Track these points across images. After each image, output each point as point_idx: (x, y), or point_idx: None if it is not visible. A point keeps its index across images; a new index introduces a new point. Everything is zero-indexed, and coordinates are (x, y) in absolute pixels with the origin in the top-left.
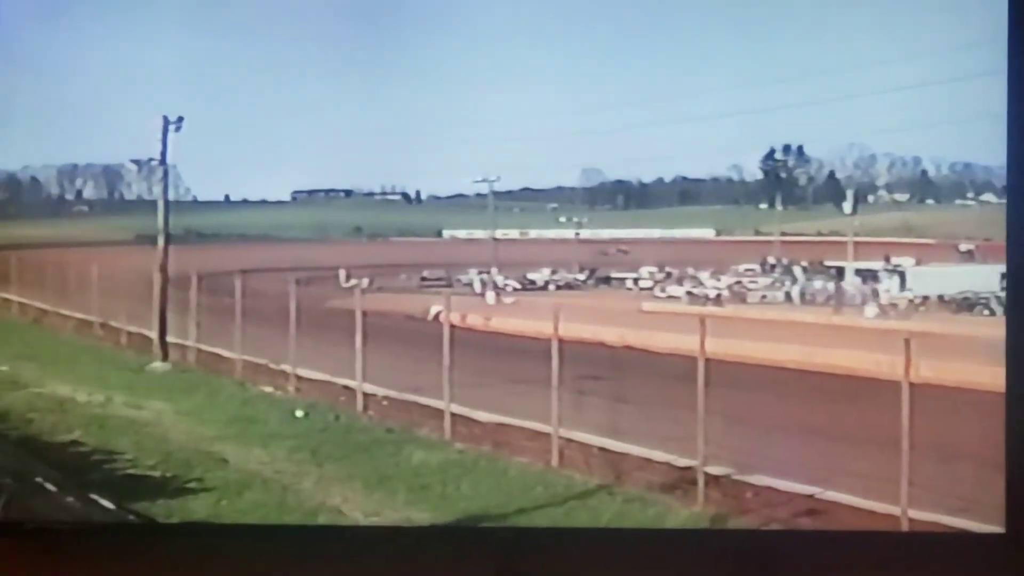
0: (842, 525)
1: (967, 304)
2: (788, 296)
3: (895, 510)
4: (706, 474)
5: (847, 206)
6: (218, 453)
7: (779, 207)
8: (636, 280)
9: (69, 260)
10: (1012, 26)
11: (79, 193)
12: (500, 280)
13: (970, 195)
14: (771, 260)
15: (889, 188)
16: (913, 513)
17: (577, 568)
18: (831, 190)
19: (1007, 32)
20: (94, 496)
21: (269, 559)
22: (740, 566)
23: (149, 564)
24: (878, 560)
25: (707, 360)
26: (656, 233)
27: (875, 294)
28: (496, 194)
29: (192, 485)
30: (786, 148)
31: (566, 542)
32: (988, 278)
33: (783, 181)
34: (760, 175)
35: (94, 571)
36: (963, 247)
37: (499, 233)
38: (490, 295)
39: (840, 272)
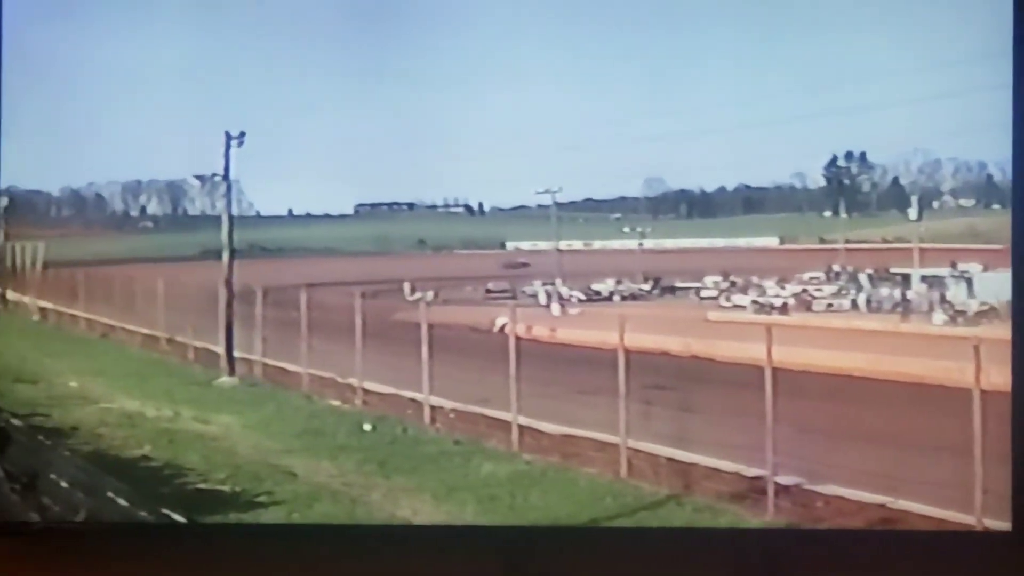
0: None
1: None
2: (854, 304)
3: (970, 519)
4: (776, 484)
5: (912, 212)
6: (286, 466)
7: (843, 214)
8: (701, 290)
9: (135, 275)
10: None
11: (143, 209)
12: (565, 291)
13: None
14: (836, 268)
15: (954, 193)
16: (989, 522)
17: (583, 565)
18: (895, 196)
19: None
20: (165, 511)
21: (277, 558)
22: (742, 564)
23: (161, 564)
24: (882, 558)
25: (774, 369)
26: (720, 242)
27: (942, 300)
28: (559, 205)
29: (262, 499)
30: (849, 155)
31: (573, 540)
32: None
33: (846, 188)
34: (823, 182)
35: (105, 571)
36: None
37: (563, 244)
38: (555, 306)
39: (906, 279)
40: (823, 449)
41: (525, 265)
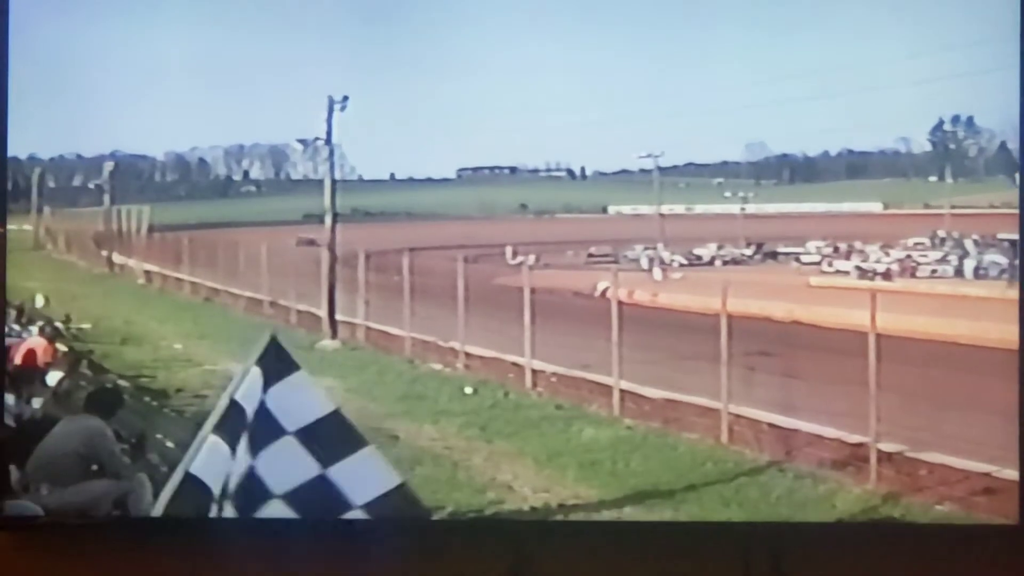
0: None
1: None
2: (959, 270)
3: None
4: (878, 451)
5: (1020, 177)
6: (389, 430)
7: (949, 179)
8: (803, 255)
9: (238, 240)
10: None
11: (246, 173)
12: (666, 256)
13: None
14: (941, 234)
15: None
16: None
17: (590, 559)
18: (1003, 161)
19: None
20: None
21: (281, 553)
22: (749, 558)
23: (166, 558)
24: (888, 551)
25: (877, 335)
26: (822, 207)
27: None
28: (661, 169)
29: None
30: (955, 119)
31: (579, 534)
32: None
33: (952, 153)
34: (928, 147)
35: (109, 565)
36: None
37: (664, 209)
38: (657, 271)
39: (1013, 245)
40: (927, 417)
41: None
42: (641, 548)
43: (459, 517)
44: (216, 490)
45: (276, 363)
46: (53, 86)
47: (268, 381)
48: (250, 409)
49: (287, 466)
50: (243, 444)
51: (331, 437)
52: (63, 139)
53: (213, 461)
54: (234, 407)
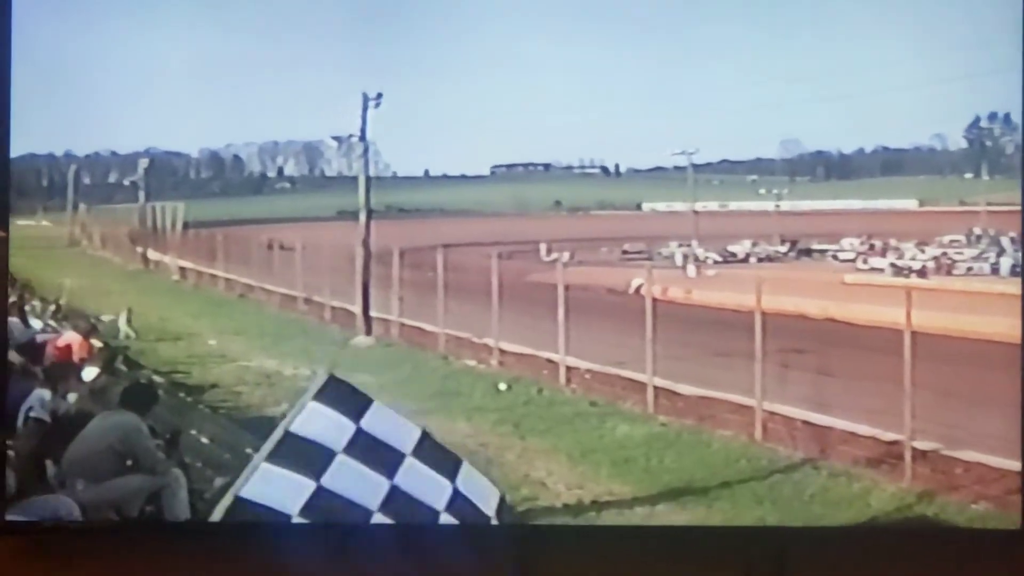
0: None
1: None
2: (995, 268)
3: None
4: (913, 449)
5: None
6: (422, 426)
7: (985, 176)
8: (838, 253)
9: (273, 236)
10: None
11: (280, 170)
12: (701, 253)
13: None
14: (977, 231)
15: None
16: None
17: (594, 564)
18: None
19: None
20: None
21: (282, 557)
22: (752, 564)
23: (169, 563)
24: (891, 556)
25: (912, 332)
26: (857, 204)
27: None
28: (695, 167)
29: None
30: (992, 116)
31: (584, 539)
32: None
33: (989, 149)
34: (965, 144)
35: (110, 570)
36: None
37: (699, 206)
38: (691, 268)
39: None
40: (962, 415)
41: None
42: (644, 553)
43: (463, 524)
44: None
45: (350, 396)
46: (89, 85)
47: (351, 412)
48: (333, 439)
49: (424, 484)
50: (365, 470)
51: (434, 454)
52: (99, 136)
53: (272, 486)
54: (292, 438)
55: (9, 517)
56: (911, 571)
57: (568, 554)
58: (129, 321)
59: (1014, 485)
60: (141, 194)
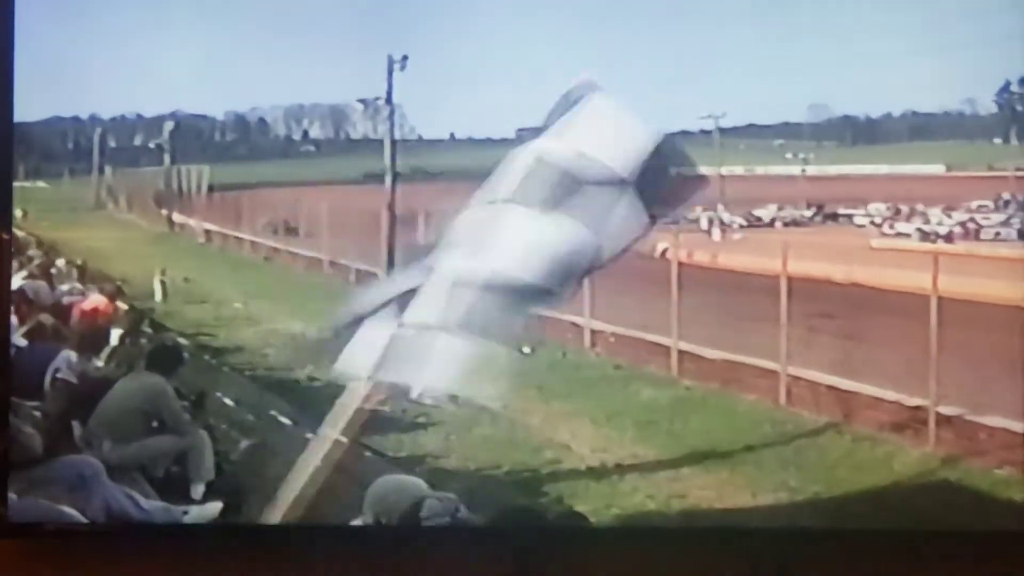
0: None
1: None
2: (1022, 233)
3: None
4: (937, 414)
5: None
6: (447, 388)
7: (1014, 141)
8: (864, 217)
9: (298, 199)
10: None
11: (306, 133)
12: (726, 217)
13: None
14: (1005, 196)
15: None
16: None
17: (593, 565)
18: None
19: None
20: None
21: (285, 557)
22: (756, 565)
23: (173, 565)
24: (899, 560)
25: (939, 298)
26: (884, 169)
27: None
28: (721, 130)
29: (421, 420)
30: (1022, 80)
31: (583, 539)
32: None
33: (1019, 115)
34: (994, 108)
35: (114, 572)
36: None
37: (724, 170)
38: (716, 232)
39: None
40: (988, 380)
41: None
42: (644, 553)
43: (461, 524)
44: None
45: None
46: (114, 47)
47: None
48: None
49: None
50: None
51: None
52: (124, 99)
53: None
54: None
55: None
56: (918, 571)
57: (568, 553)
58: (163, 282)
59: None
60: (166, 157)
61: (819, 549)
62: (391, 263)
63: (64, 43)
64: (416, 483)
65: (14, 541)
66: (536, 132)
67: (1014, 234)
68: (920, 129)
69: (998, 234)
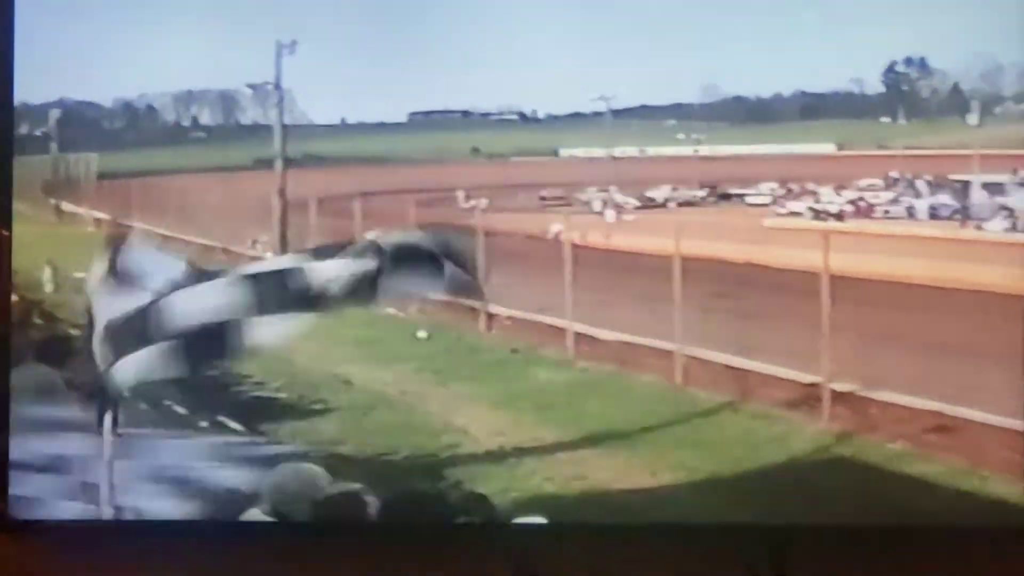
0: (972, 441)
1: None
2: (911, 211)
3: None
4: (831, 390)
5: (972, 118)
6: (343, 375)
7: (902, 120)
8: (757, 197)
9: (189, 186)
10: None
11: (195, 120)
12: (620, 198)
13: None
14: (894, 175)
15: (1017, 99)
16: None
17: (590, 563)
18: (956, 102)
19: None
20: (222, 418)
21: (280, 556)
22: (751, 560)
23: (172, 561)
24: (896, 553)
25: (831, 276)
26: (776, 149)
27: (1003, 208)
28: (613, 112)
29: (318, 407)
30: (908, 60)
31: (580, 538)
32: None
33: (905, 94)
34: (882, 88)
35: (112, 569)
36: None
37: (617, 151)
38: (610, 213)
39: (966, 186)
40: (879, 356)
41: None
42: (644, 549)
43: (460, 523)
44: None
45: None
46: None
47: None
48: None
49: None
50: None
51: None
52: (8, 87)
53: None
54: None
55: None
56: (917, 568)
57: (566, 551)
58: (53, 274)
59: (930, 424)
60: (53, 146)
61: (820, 543)
62: (284, 249)
63: None
64: (315, 471)
65: (14, 537)
66: (427, 115)
67: (903, 212)
68: (810, 109)
69: (887, 212)
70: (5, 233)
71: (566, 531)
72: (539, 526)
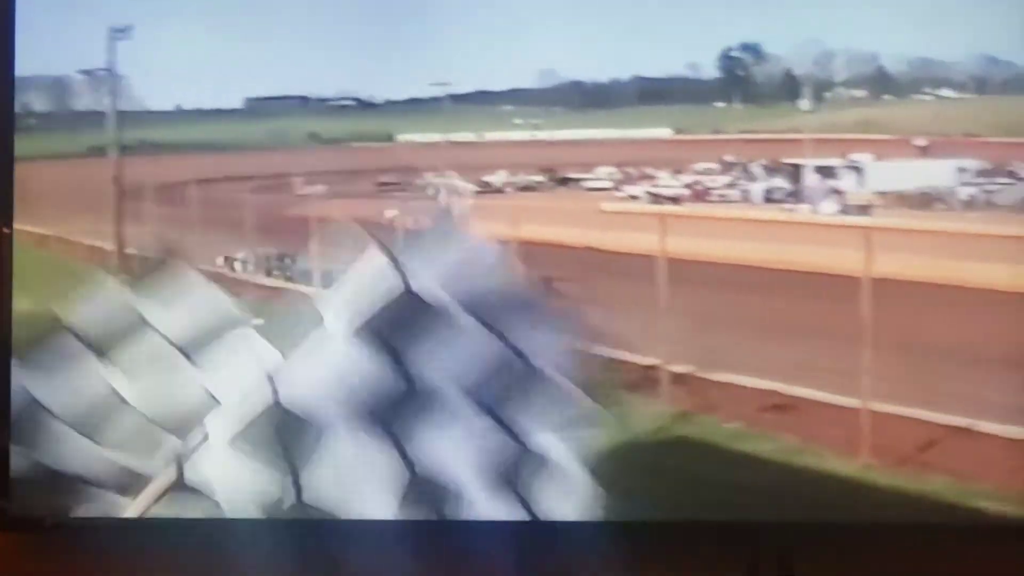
0: (808, 420)
1: (926, 199)
2: (746, 194)
3: (856, 403)
4: (670, 372)
5: (805, 103)
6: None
7: (737, 105)
8: (594, 181)
9: (21, 175)
10: None
11: (26, 107)
12: (457, 183)
13: (928, 90)
14: (729, 159)
15: (847, 84)
16: (878, 406)
17: (595, 561)
18: (789, 87)
19: None
20: None
21: (279, 555)
22: (756, 558)
23: (175, 559)
24: (900, 552)
25: (669, 259)
26: (614, 133)
27: (834, 191)
28: (451, 97)
29: None
30: (743, 46)
31: (585, 536)
32: (944, 173)
33: (740, 79)
34: (718, 74)
35: (115, 567)
36: (919, 142)
37: (454, 136)
38: (446, 198)
39: (798, 169)
40: (717, 338)
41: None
42: (646, 549)
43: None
44: None
45: None
46: None
47: None
48: None
49: None
50: None
51: None
52: None
53: None
54: None
55: None
56: (922, 566)
57: (567, 551)
58: None
59: (767, 403)
60: None
61: (823, 540)
62: (121, 236)
63: None
64: None
65: (15, 535)
66: (264, 101)
67: (738, 195)
68: (647, 94)
69: (723, 196)
70: (6, 231)
71: (573, 530)
72: (547, 522)
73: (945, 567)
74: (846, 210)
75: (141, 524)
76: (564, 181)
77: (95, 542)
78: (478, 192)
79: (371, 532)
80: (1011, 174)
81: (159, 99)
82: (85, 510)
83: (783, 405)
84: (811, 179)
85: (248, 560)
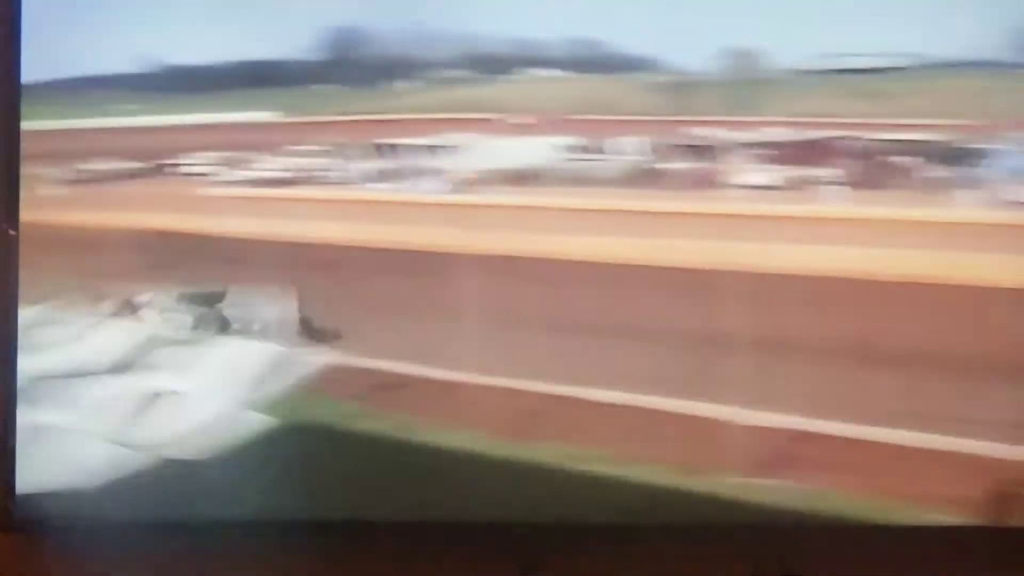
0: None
1: (525, 176)
2: (347, 176)
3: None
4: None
5: (405, 84)
6: None
7: (337, 87)
8: (195, 166)
9: None
10: None
11: None
12: (56, 172)
13: (528, 69)
14: (335, 141)
15: (447, 65)
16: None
17: (598, 564)
18: (390, 69)
19: None
20: None
21: (282, 555)
22: (760, 562)
23: (182, 561)
24: (902, 553)
25: (273, 242)
26: (216, 117)
27: (434, 170)
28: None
29: None
30: (346, 28)
31: (589, 539)
32: (544, 150)
33: (345, 61)
34: (320, 56)
35: (119, 570)
36: (515, 120)
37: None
38: (45, 189)
39: (398, 150)
40: (341, 319)
41: None
42: (646, 549)
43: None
44: None
45: None
46: None
47: None
48: None
49: None
50: None
51: None
52: None
53: None
54: None
55: None
56: (923, 568)
57: (568, 551)
58: None
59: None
60: None
61: (827, 543)
62: None
63: None
64: None
65: (21, 536)
66: None
67: (338, 176)
68: (251, 76)
69: (325, 176)
70: (12, 233)
71: (577, 532)
72: (554, 525)
73: None
74: (445, 189)
75: (145, 525)
76: (162, 168)
77: (101, 543)
78: (74, 181)
79: (371, 532)
80: (605, 150)
81: None
82: (90, 511)
83: (390, 384)
84: (411, 159)
85: (249, 560)
